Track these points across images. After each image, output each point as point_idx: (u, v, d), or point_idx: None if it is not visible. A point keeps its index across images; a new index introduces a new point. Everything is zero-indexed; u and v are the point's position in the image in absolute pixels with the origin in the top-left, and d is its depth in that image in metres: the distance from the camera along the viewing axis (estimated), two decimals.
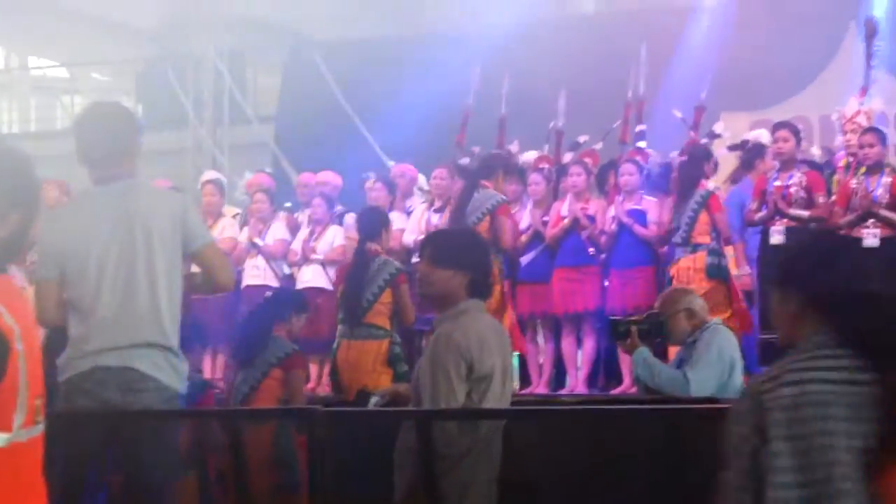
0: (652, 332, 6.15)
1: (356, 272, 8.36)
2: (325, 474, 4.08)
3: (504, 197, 9.19)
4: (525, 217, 9.85)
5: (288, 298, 7.85)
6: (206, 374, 10.35)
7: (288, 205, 11.19)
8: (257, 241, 10.47)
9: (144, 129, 5.08)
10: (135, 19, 17.49)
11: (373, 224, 8.54)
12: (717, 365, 6.00)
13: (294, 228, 10.69)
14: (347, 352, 8.30)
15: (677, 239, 8.85)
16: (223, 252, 4.95)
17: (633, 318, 6.54)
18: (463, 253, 4.58)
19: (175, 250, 4.70)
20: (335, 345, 8.42)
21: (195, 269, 5.05)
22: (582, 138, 10.69)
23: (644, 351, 6.09)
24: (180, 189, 11.35)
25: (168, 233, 4.68)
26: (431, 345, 4.48)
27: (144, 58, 17.64)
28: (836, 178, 9.03)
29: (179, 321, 4.75)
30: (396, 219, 10.01)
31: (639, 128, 10.59)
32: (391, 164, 11.34)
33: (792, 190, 8.56)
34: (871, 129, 8.58)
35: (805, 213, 8.51)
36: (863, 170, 8.45)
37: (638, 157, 9.91)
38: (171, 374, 4.67)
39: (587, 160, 10.14)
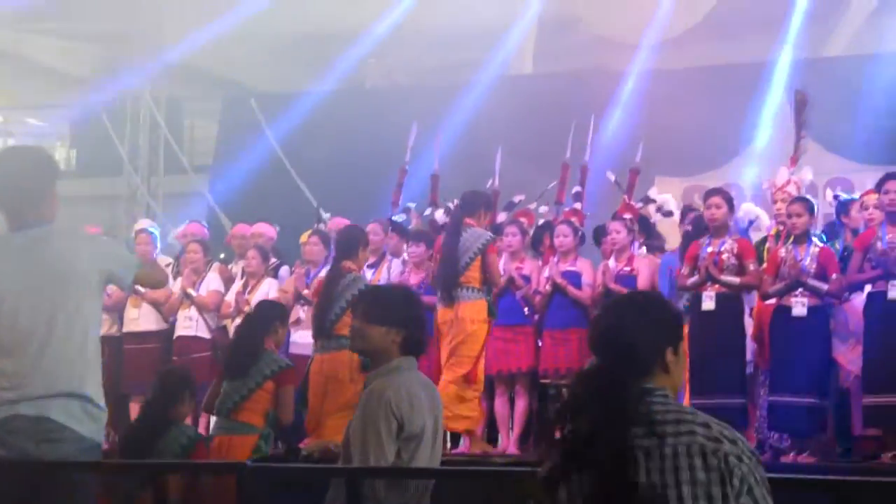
0: None
1: (327, 288, 8.46)
2: None
3: (492, 235, 9.22)
4: None
5: (271, 310, 7.86)
6: None
7: (222, 256, 11.14)
8: (191, 291, 10.41)
9: (67, 174, 5.05)
10: (71, 65, 17.39)
11: (350, 242, 8.57)
12: None
13: (228, 280, 10.64)
14: (321, 365, 8.35)
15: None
16: (151, 265, 4.99)
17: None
18: (396, 310, 4.60)
19: (95, 295, 4.65)
20: (308, 363, 8.49)
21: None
22: (517, 198, 10.77)
23: None
24: (112, 237, 11.30)
25: (87, 277, 4.62)
26: (363, 401, 4.47)
27: (80, 104, 17.52)
28: (766, 246, 9.15)
29: (100, 371, 4.69)
30: None
31: (575, 189, 10.68)
32: (327, 216, 11.31)
33: (724, 256, 8.65)
34: (799, 199, 8.71)
35: (736, 280, 8.61)
36: (791, 239, 8.56)
37: (574, 219, 9.99)
38: (89, 425, 4.59)
39: (522, 220, 10.20)
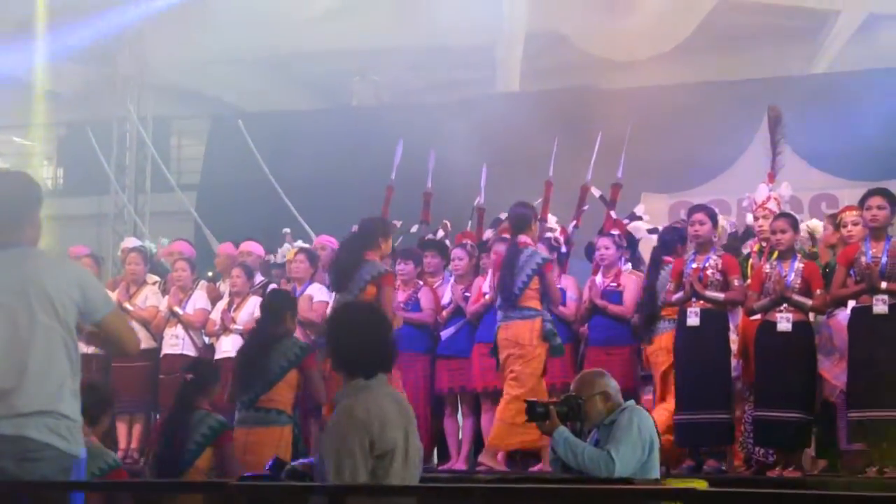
0: (569, 416, 6.18)
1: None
2: None
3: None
4: (447, 292, 9.90)
5: (283, 299, 8.25)
6: (122, 443, 10.24)
7: (210, 274, 11.14)
8: (177, 310, 10.41)
9: (54, 193, 5.06)
10: (58, 83, 17.40)
11: (371, 231, 8.63)
12: (638, 443, 6.04)
13: (216, 298, 10.65)
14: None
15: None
16: (125, 318, 4.97)
17: (550, 399, 6.58)
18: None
19: (71, 318, 4.66)
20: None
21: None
22: (503, 215, 10.78)
23: (564, 431, 6.11)
24: (99, 256, 11.30)
25: (65, 301, 4.63)
26: (334, 420, 4.49)
27: (67, 123, 17.54)
28: (750, 262, 9.18)
29: (78, 388, 4.70)
30: (318, 291, 10.02)
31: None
32: (293, 244, 11.34)
33: (708, 272, 8.69)
34: (783, 216, 8.74)
35: (721, 296, 8.64)
36: (775, 255, 8.59)
37: (557, 236, 10.01)
38: (70, 441, 4.60)
39: (508, 237, 10.21)
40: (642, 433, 6.06)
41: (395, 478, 4.38)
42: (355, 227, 8.98)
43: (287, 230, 11.85)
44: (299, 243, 11.24)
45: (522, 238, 9.07)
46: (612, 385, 6.30)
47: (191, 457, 7.11)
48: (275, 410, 7.69)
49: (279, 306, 8.03)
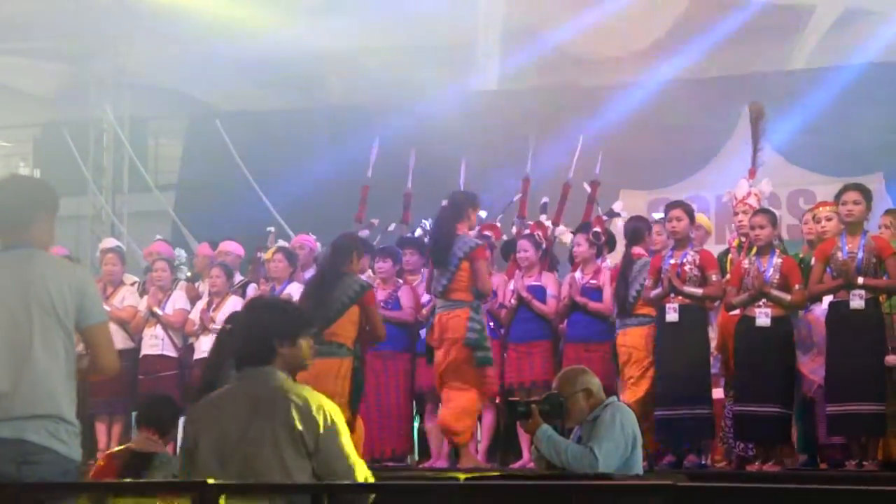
0: (551, 414, 6.18)
1: (623, 273, 9.01)
2: None
3: (479, 241, 8.99)
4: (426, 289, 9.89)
5: (349, 241, 8.68)
6: (101, 443, 10.22)
7: (189, 274, 11.11)
8: (157, 310, 10.39)
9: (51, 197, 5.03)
10: (33, 84, 17.34)
11: (345, 250, 8.57)
12: (620, 439, 6.06)
13: (195, 298, 10.63)
14: (623, 338, 8.89)
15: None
16: (111, 336, 4.91)
17: (532, 398, 6.58)
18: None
19: (70, 322, 4.66)
20: None
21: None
22: (481, 213, 10.77)
23: (547, 429, 6.12)
24: (76, 258, 11.26)
25: (65, 304, 4.63)
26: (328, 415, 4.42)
27: (42, 123, 17.46)
28: (729, 257, 9.21)
29: (74, 394, 4.70)
30: (296, 291, 10.00)
31: (543, 200, 10.70)
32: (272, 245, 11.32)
33: (686, 268, 8.71)
34: (762, 211, 8.77)
35: (699, 291, 8.67)
36: (755, 250, 8.62)
37: (538, 232, 10.01)
38: (69, 445, 4.61)
39: (489, 234, 10.22)
40: (625, 429, 6.08)
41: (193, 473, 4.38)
42: (445, 202, 9.16)
43: (272, 229, 11.83)
44: (280, 243, 11.23)
45: (636, 250, 9.14)
46: (595, 382, 6.30)
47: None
48: (336, 343, 8.13)
49: (346, 246, 8.50)
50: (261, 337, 4.52)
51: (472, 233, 9.13)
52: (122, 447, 7.18)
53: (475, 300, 8.64)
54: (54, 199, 4.94)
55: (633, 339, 8.99)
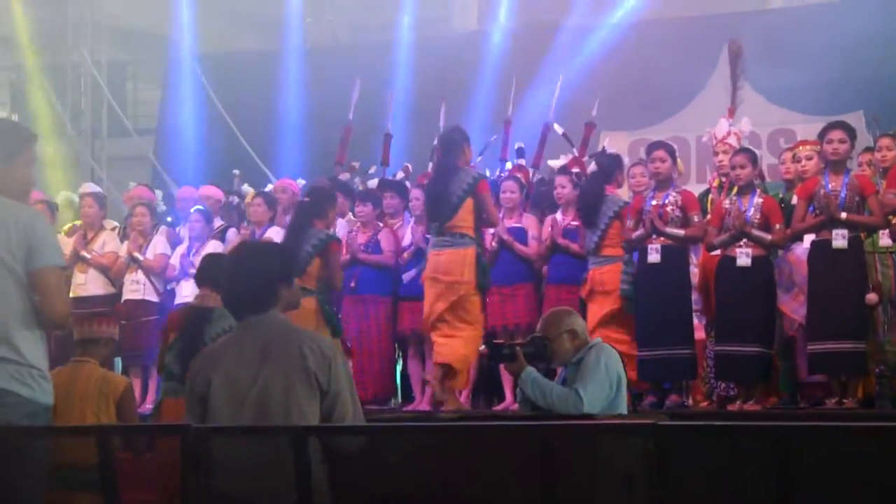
0: (536, 356, 6.18)
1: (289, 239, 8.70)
2: (200, 494, 4.03)
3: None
4: (407, 234, 9.87)
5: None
6: None
7: (170, 219, 11.06)
8: (137, 255, 10.34)
9: (30, 141, 4.92)
10: (9, 28, 17.15)
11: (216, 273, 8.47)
12: (605, 380, 6.07)
13: (176, 243, 10.59)
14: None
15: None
16: (62, 283, 4.78)
17: (516, 341, 6.59)
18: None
19: (20, 265, 4.56)
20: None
21: None
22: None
23: (532, 371, 6.12)
24: (53, 203, 11.18)
25: (10, 246, 4.55)
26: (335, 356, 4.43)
27: (19, 66, 17.31)
28: (709, 197, 9.20)
29: (41, 337, 4.66)
30: (276, 234, 9.97)
31: (518, 145, 10.67)
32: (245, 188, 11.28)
33: (668, 209, 8.71)
34: (743, 150, 8.75)
35: (681, 232, 8.67)
36: (735, 190, 8.62)
37: (519, 175, 9.99)
38: (34, 388, 4.57)
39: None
40: (609, 371, 6.09)
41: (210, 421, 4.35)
42: (594, 165, 9.44)
43: (237, 172, 11.77)
44: (245, 186, 11.21)
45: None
46: (580, 323, 6.31)
47: (303, 264, 8.29)
48: (458, 234, 8.61)
49: (456, 140, 8.83)
50: (265, 281, 4.49)
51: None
52: (184, 305, 7.95)
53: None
54: (15, 142, 4.82)
55: (604, 277, 8.98)
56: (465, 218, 8.67)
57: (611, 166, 9.30)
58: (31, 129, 5.01)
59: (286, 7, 15.84)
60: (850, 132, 8.31)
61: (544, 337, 6.20)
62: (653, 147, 9.06)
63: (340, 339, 8.48)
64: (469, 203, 8.65)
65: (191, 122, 15.42)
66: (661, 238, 8.67)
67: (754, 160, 8.63)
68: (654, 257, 8.68)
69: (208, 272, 6.96)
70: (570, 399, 5.98)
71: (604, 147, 10.37)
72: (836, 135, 8.25)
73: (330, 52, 15.67)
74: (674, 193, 8.78)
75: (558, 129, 10.38)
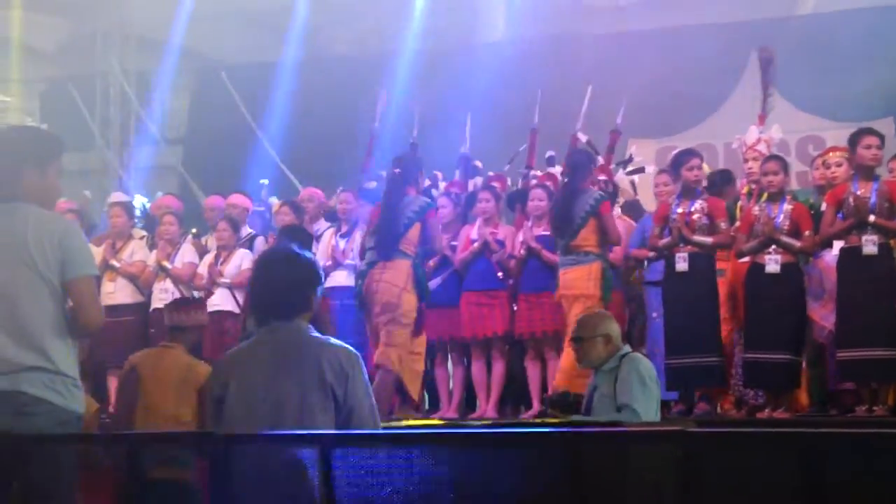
0: (565, 411, 6.31)
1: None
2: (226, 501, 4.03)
3: (429, 201, 9.26)
4: None
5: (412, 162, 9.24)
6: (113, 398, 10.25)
7: (194, 230, 11.07)
8: (166, 264, 10.39)
9: (60, 151, 4.97)
10: (39, 38, 17.25)
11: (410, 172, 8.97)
12: (654, 389, 6.14)
13: (203, 252, 10.62)
14: None
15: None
16: (94, 291, 4.83)
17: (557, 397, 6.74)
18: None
19: (55, 276, 4.60)
20: None
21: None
22: (476, 163, 10.74)
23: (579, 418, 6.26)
24: (84, 211, 11.24)
25: (46, 258, 4.59)
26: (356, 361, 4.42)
27: (48, 78, 17.41)
28: (739, 204, 9.17)
29: (73, 346, 4.69)
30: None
31: (549, 153, 10.66)
32: (272, 199, 11.33)
33: (695, 217, 8.68)
34: (775, 157, 8.72)
35: (708, 240, 8.63)
36: (765, 196, 8.58)
37: (548, 183, 9.98)
38: (66, 396, 4.61)
39: (496, 185, 10.19)
40: (652, 378, 6.17)
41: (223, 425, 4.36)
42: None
43: (265, 181, 11.80)
44: (272, 198, 11.26)
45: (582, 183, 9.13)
46: (615, 329, 6.34)
47: (404, 230, 8.68)
48: (583, 252, 8.74)
49: (583, 162, 9.09)
50: (298, 288, 4.50)
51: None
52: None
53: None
54: (48, 152, 4.85)
55: (574, 279, 8.81)
56: (587, 237, 8.80)
57: (584, 162, 9.17)
58: (59, 139, 5.05)
59: (312, 17, 15.88)
60: (881, 138, 8.28)
61: (567, 394, 6.33)
62: (687, 154, 9.02)
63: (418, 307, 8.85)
64: (593, 223, 8.80)
65: (219, 131, 15.46)
66: (689, 246, 8.64)
67: (786, 167, 8.63)
68: (681, 266, 8.64)
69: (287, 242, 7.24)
70: (627, 419, 5.99)
71: (630, 155, 10.35)
72: (873, 141, 8.22)
73: (357, 61, 15.68)
74: (700, 201, 8.75)
75: (582, 137, 10.36)
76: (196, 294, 10.37)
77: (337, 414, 4.31)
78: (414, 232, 8.86)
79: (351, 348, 4.47)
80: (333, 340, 4.50)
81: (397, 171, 9.15)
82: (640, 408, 6.02)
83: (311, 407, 4.28)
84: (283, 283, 4.48)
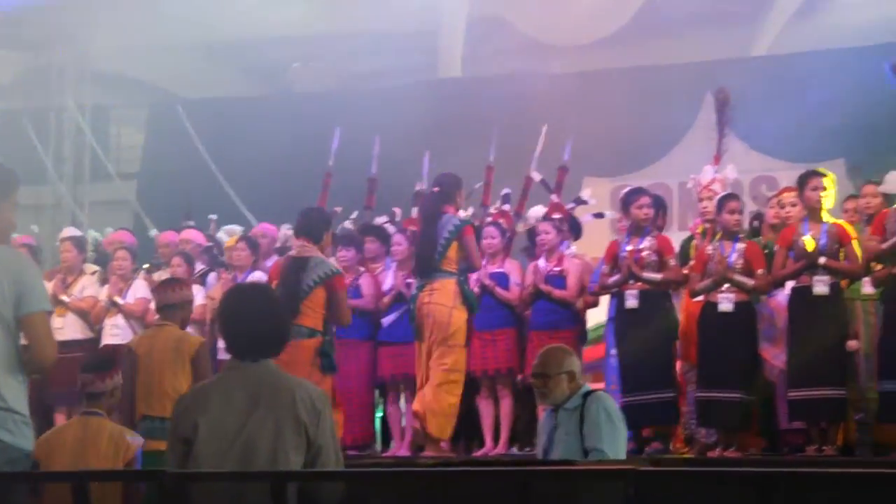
0: None
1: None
2: None
3: (464, 218, 9.15)
4: (388, 278, 9.84)
5: (451, 182, 9.01)
6: None
7: (147, 266, 10.99)
8: (117, 299, 10.30)
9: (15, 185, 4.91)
10: None
11: (315, 225, 8.47)
12: (621, 428, 6.14)
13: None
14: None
15: None
16: (49, 327, 4.76)
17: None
18: None
19: (8, 311, 4.55)
20: None
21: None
22: (418, 185, 10.72)
23: None
24: (38, 247, 11.14)
25: (5, 292, 4.55)
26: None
27: (3, 111, 17.30)
28: (693, 243, 9.21)
29: (24, 382, 4.63)
30: (259, 279, 9.94)
31: (504, 191, 10.67)
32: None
33: (644, 254, 8.72)
34: (734, 196, 8.79)
35: (658, 276, 8.68)
36: (718, 235, 8.64)
37: (501, 220, 9.99)
38: (16, 434, 4.55)
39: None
40: (619, 416, 6.17)
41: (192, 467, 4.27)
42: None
43: (213, 216, 11.74)
44: (225, 229, 11.19)
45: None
46: (578, 365, 6.32)
47: (443, 250, 8.66)
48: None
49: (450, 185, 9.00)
50: (280, 324, 4.50)
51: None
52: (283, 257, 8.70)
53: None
54: (4, 186, 4.83)
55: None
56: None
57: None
58: (14, 173, 4.99)
59: (272, 53, 15.91)
60: (829, 179, 8.35)
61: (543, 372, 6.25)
62: (636, 193, 9.06)
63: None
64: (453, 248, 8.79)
65: (173, 166, 15.41)
66: (639, 283, 8.68)
67: (742, 207, 8.73)
68: (631, 303, 8.69)
69: (307, 225, 8.21)
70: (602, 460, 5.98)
71: (578, 196, 10.37)
72: (816, 182, 8.29)
73: (315, 99, 15.69)
74: (649, 238, 8.80)
75: (536, 175, 10.38)
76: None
77: (307, 451, 4.27)
78: (453, 250, 8.81)
79: (319, 388, 4.44)
80: (302, 379, 4.46)
81: (436, 189, 9.11)
82: (608, 449, 5.99)
83: (285, 447, 4.23)
84: (268, 320, 4.42)
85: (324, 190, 10.81)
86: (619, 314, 8.77)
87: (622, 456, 6.08)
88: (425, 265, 8.86)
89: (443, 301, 8.73)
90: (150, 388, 7.39)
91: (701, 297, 8.60)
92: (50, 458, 6.07)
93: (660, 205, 9.43)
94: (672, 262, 8.70)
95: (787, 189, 9.06)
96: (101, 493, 5.64)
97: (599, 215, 10.50)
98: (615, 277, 8.78)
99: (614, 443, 6.08)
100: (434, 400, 8.67)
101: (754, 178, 12.95)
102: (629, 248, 8.78)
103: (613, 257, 8.86)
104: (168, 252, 10.79)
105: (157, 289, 7.98)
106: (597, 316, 9.87)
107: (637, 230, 8.87)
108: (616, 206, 10.03)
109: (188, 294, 7.77)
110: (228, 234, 11.07)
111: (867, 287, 8.42)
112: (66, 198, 16.34)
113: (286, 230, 10.54)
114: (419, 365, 8.85)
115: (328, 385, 7.97)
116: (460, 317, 8.75)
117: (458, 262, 8.85)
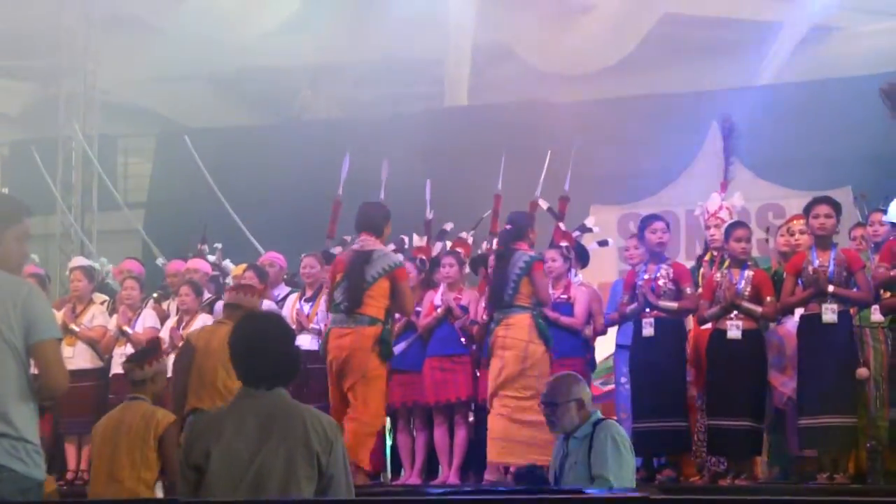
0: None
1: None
2: None
3: (534, 254, 9.10)
4: (435, 297, 9.82)
5: (523, 219, 9.09)
6: (71, 464, 10.13)
7: (155, 295, 11.00)
8: (126, 329, 10.31)
9: (25, 215, 4.92)
10: (3, 102, 17.25)
11: (376, 219, 8.70)
12: (629, 457, 6.12)
13: (164, 317, 10.55)
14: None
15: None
16: (59, 354, 4.77)
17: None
18: None
19: (18, 340, 4.55)
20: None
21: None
22: (447, 226, 10.74)
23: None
24: (47, 276, 11.17)
25: (10, 321, 4.55)
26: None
27: (10, 142, 17.37)
28: (701, 271, 9.23)
29: (35, 411, 4.63)
30: (267, 307, 9.94)
31: (507, 225, 10.65)
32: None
33: (660, 283, 8.73)
34: (743, 224, 8.81)
35: (674, 305, 8.68)
36: (727, 263, 8.65)
37: (460, 249, 10.04)
38: (28, 463, 4.54)
39: (459, 250, 10.20)
40: (627, 446, 6.16)
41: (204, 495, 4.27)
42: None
43: (219, 245, 11.76)
44: (227, 262, 11.22)
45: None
46: (587, 393, 6.32)
47: (516, 286, 8.68)
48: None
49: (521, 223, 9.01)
50: (294, 352, 4.51)
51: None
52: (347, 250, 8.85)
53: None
54: (10, 216, 4.82)
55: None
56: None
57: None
58: (24, 203, 5.00)
59: (279, 82, 15.96)
60: (836, 207, 8.36)
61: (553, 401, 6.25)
62: (651, 219, 9.09)
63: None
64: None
65: (181, 195, 15.44)
66: (655, 311, 8.68)
67: (751, 234, 8.74)
68: (647, 331, 8.70)
69: (368, 219, 8.52)
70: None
71: (583, 223, 10.38)
72: (823, 209, 8.30)
73: (322, 127, 15.73)
74: (665, 266, 8.81)
75: (543, 204, 10.40)
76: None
77: (319, 481, 4.27)
78: (525, 286, 8.82)
79: (330, 417, 4.44)
80: (313, 408, 4.45)
81: (509, 226, 9.15)
82: (614, 477, 5.99)
83: (297, 476, 4.24)
84: (282, 348, 4.45)
85: (333, 218, 10.82)
86: (637, 342, 8.77)
87: (629, 484, 6.07)
88: (499, 301, 8.90)
89: (519, 336, 8.77)
90: (203, 381, 7.79)
91: (709, 325, 8.60)
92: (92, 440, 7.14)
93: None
94: (689, 289, 8.71)
95: (797, 217, 9.07)
96: None
97: (604, 243, 10.51)
98: (633, 306, 8.81)
99: (620, 471, 6.07)
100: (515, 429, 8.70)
101: (761, 206, 12.97)
102: (646, 276, 8.80)
103: (632, 286, 8.88)
104: (176, 282, 10.79)
105: (232, 288, 8.46)
106: (605, 347, 9.89)
107: (653, 257, 8.89)
108: (623, 233, 10.04)
109: (256, 304, 8.19)
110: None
111: (876, 314, 8.42)
112: (74, 227, 16.37)
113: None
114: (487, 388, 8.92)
115: (385, 371, 8.41)
116: (536, 350, 8.77)
117: (531, 297, 8.87)
